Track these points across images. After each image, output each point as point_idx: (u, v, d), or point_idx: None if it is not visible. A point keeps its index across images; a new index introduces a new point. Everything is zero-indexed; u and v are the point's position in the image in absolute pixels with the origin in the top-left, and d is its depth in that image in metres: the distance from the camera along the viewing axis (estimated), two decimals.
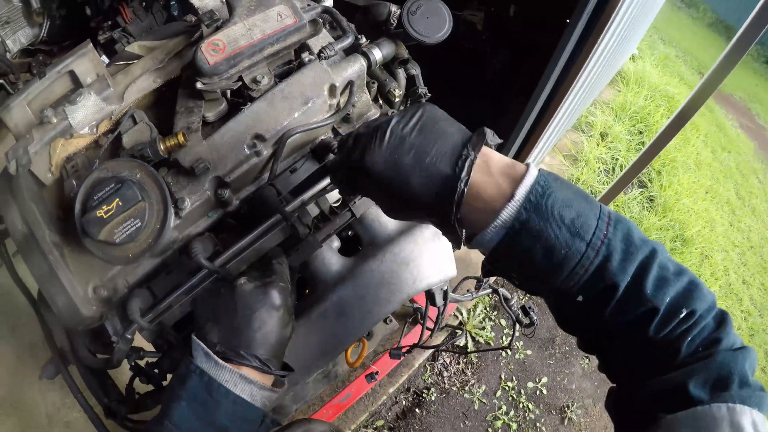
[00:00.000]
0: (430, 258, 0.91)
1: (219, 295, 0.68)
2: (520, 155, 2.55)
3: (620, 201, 3.80)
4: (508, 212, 0.52)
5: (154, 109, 0.88)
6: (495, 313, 2.88)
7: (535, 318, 1.23)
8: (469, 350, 2.54)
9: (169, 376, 0.89)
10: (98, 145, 0.88)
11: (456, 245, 0.58)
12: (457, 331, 2.50)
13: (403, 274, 0.87)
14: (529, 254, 0.52)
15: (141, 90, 0.86)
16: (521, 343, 2.81)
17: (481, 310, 2.85)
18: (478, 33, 3.91)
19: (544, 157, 3.75)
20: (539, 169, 0.54)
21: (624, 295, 0.50)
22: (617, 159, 4.12)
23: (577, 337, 0.59)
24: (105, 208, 0.68)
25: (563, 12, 1.93)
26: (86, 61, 0.88)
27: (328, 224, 0.85)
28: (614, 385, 0.58)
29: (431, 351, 2.31)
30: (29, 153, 0.81)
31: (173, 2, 3.71)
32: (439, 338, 2.59)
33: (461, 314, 2.64)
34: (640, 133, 4.57)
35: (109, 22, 3.62)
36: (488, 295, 2.54)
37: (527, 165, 0.54)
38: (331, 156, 0.84)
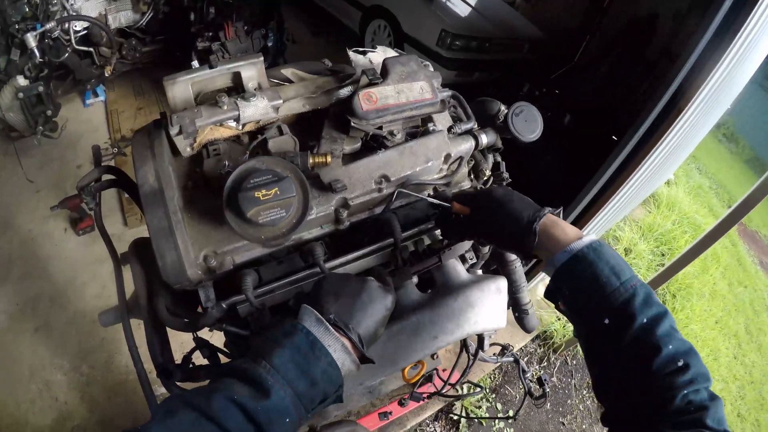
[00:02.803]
0: (490, 307, 1.06)
1: (349, 281, 0.81)
2: None
3: None
4: (576, 245, 0.76)
5: (296, 127, 1.06)
6: (493, 396, 2.95)
7: (548, 390, 1.37)
8: (468, 416, 2.58)
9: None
10: (239, 140, 1.05)
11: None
12: (453, 402, 2.57)
13: (468, 314, 1.02)
14: (581, 278, 0.75)
15: (292, 109, 1.04)
16: (512, 430, 2.86)
17: (481, 390, 2.92)
18: None
19: None
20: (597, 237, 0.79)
21: (638, 330, 0.68)
22: (637, 273, 4.26)
23: (596, 373, 0.76)
24: (263, 191, 0.83)
25: (613, 130, 2.13)
26: (254, 69, 1.06)
27: (419, 263, 1.02)
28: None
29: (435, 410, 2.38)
30: (195, 125, 0.95)
31: (270, 35, 4.02)
32: (440, 405, 2.67)
33: (461, 389, 2.71)
34: (663, 255, 4.71)
35: (210, 33, 3.92)
36: (510, 365, 2.63)
37: (585, 233, 0.80)
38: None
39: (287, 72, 1.16)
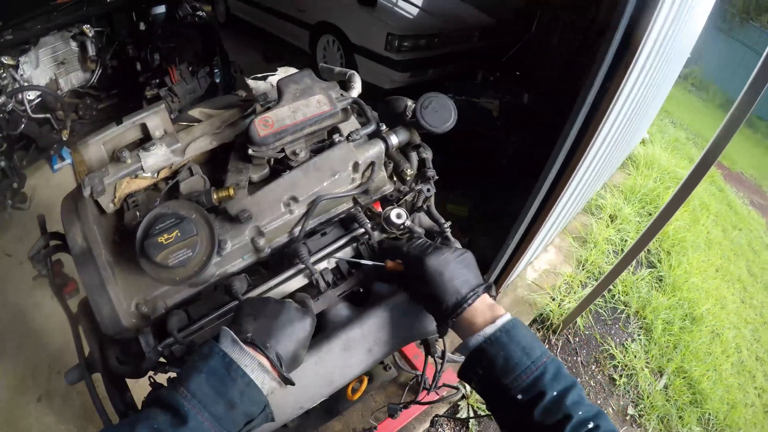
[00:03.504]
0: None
1: (267, 303, 0.84)
2: (528, 234, 2.69)
3: (628, 281, 3.83)
4: (488, 330, 0.82)
5: (207, 165, 1.08)
6: None
7: None
8: (468, 416, 2.58)
9: None
10: (156, 188, 1.07)
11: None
12: (459, 403, 2.57)
13: (403, 322, 1.02)
14: (494, 359, 0.79)
15: (199, 148, 1.06)
16: None
17: None
18: (493, 119, 4.29)
19: (553, 238, 3.86)
20: (512, 316, 0.85)
21: (549, 402, 0.74)
22: (626, 240, 4.20)
23: None
24: (165, 236, 0.86)
25: (571, 99, 2.13)
26: (157, 118, 1.09)
27: (344, 282, 1.03)
28: None
29: (431, 419, 2.37)
30: (104, 183, 0.99)
31: (216, 71, 4.08)
32: (441, 409, 2.64)
33: (465, 387, 2.69)
34: (650, 215, 4.62)
35: (157, 80, 3.98)
36: None
37: (505, 311, 0.85)
38: (356, 225, 1.04)
39: (195, 112, 1.18)
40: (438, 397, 2.19)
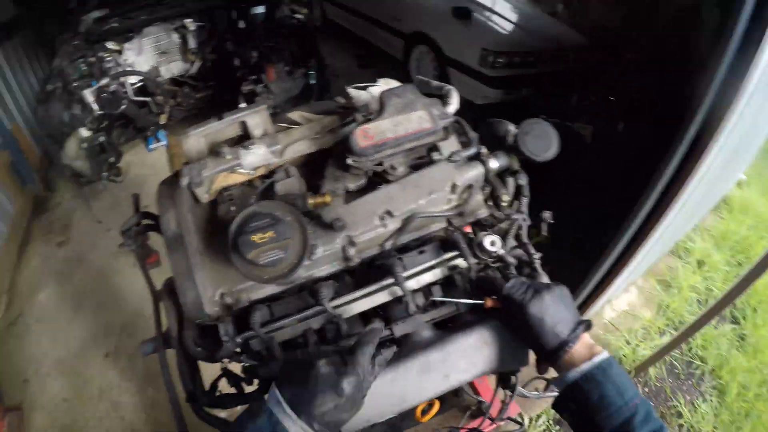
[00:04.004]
0: (510, 344, 1.00)
1: (301, 366, 0.82)
2: (613, 270, 2.59)
3: (709, 335, 3.56)
4: (586, 366, 0.83)
5: (303, 168, 1.08)
6: (558, 428, 2.81)
7: None
8: None
9: (250, 388, 1.04)
10: (251, 184, 1.08)
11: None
12: (518, 424, 2.48)
13: (484, 352, 0.98)
14: (588, 396, 0.81)
15: (297, 152, 1.07)
16: None
17: (544, 421, 2.80)
18: (586, 145, 4.11)
19: (636, 278, 3.68)
20: (608, 354, 0.86)
21: None
22: (712, 290, 3.90)
23: None
24: (260, 235, 0.86)
25: (669, 134, 2.01)
26: (258, 118, 1.10)
27: (434, 310, 1.01)
28: None
29: None
30: (202, 175, 1.01)
31: (311, 73, 4.21)
32: None
33: (526, 423, 2.63)
34: (740, 264, 4.28)
35: (254, 77, 4.16)
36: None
37: (602, 349, 0.86)
38: (456, 253, 1.01)
39: (294, 115, 1.19)
40: (498, 427, 2.11)
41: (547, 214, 1.14)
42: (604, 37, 5.07)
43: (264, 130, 1.10)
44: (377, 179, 1.02)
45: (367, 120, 1.01)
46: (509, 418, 2.09)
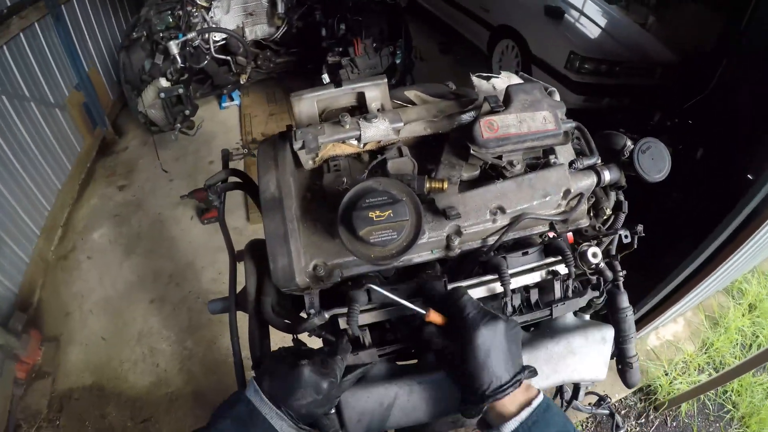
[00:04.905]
0: (592, 357, 1.01)
1: (283, 363, 0.87)
2: (669, 299, 2.56)
3: (745, 382, 3.45)
4: (525, 413, 0.77)
5: (415, 149, 1.07)
6: None
7: None
8: None
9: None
10: (359, 158, 1.08)
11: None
12: None
13: (567, 360, 0.98)
14: None
15: (413, 132, 1.05)
16: None
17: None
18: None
19: (686, 310, 3.62)
20: (544, 395, 0.80)
21: None
22: (758, 336, 3.78)
23: None
24: (377, 212, 0.85)
25: (749, 167, 1.94)
26: (377, 91, 1.09)
27: (529, 312, 1.00)
28: None
29: None
30: (318, 141, 1.00)
31: (398, 52, 4.19)
32: None
33: None
34: None
35: (340, 49, 4.18)
36: (605, 417, 2.51)
37: (539, 390, 0.81)
38: (558, 258, 1.00)
39: (410, 94, 1.18)
40: None
41: (640, 228, 1.11)
42: (693, 58, 4.83)
43: (381, 104, 1.09)
44: (492, 173, 1.01)
45: (493, 112, 0.99)
46: None
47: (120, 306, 3.38)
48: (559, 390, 1.26)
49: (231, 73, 4.30)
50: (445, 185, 0.93)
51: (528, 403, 0.78)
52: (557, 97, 1.16)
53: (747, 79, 4.45)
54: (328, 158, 1.06)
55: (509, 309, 0.95)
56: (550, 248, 1.02)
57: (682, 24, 5.15)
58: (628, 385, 1.23)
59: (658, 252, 2.52)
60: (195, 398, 2.89)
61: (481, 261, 0.99)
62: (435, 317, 0.86)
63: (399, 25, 4.23)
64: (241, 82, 4.33)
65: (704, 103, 4.38)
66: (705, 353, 3.55)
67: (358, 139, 1.01)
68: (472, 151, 0.94)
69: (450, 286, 0.95)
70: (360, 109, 1.11)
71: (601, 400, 1.31)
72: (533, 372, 0.82)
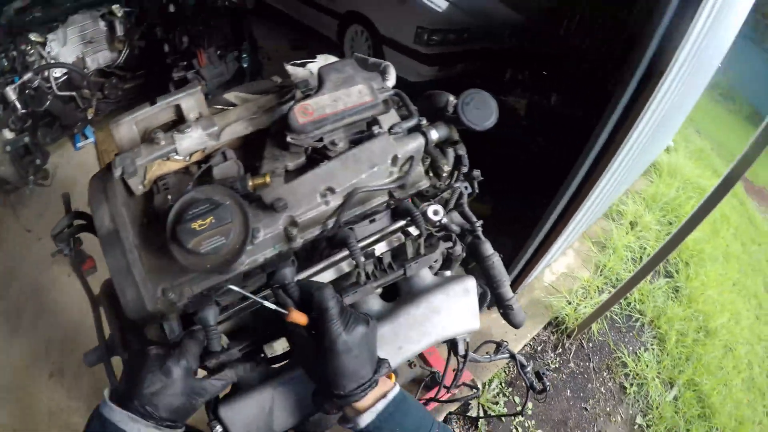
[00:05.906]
0: (458, 310, 1.04)
1: (134, 356, 0.84)
2: (550, 236, 2.68)
3: (645, 290, 3.83)
4: (381, 405, 0.80)
5: (240, 150, 1.04)
6: (510, 389, 2.93)
7: (548, 384, 1.34)
8: (480, 415, 2.57)
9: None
10: (188, 171, 1.04)
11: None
12: (470, 402, 2.55)
13: (433, 320, 1.00)
14: None
15: (234, 133, 1.03)
16: (533, 422, 2.83)
17: (497, 385, 2.92)
18: (519, 118, 4.25)
19: (573, 241, 3.85)
20: (399, 387, 0.85)
21: None
22: (645, 248, 4.19)
23: None
24: (199, 222, 0.83)
25: (600, 103, 2.11)
26: (193, 100, 1.05)
27: (383, 276, 1.01)
28: None
29: (444, 416, 2.35)
30: (135, 164, 0.96)
31: (244, 56, 4.09)
32: (452, 407, 2.65)
33: (476, 385, 2.71)
34: (670, 223, 4.64)
35: (185, 63, 3.99)
36: (506, 363, 2.64)
37: (395, 383, 0.85)
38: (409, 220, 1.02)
39: (230, 96, 1.14)
40: (454, 395, 2.17)
41: (476, 172, 1.17)
42: (540, 15, 5.22)
43: (199, 113, 1.05)
44: (317, 156, 1.00)
45: (306, 96, 0.98)
46: (464, 383, 2.16)
47: (21, 392, 3.06)
48: (452, 346, 1.30)
49: (79, 109, 3.97)
50: (268, 179, 0.91)
51: (383, 396, 0.81)
52: (392, 71, 1.19)
53: (589, 28, 4.90)
54: (156, 178, 1.01)
55: (362, 277, 0.96)
56: (398, 211, 1.05)
57: None
58: (514, 326, 1.29)
59: (537, 197, 2.70)
60: None
61: (327, 239, 0.98)
62: (297, 317, 0.83)
63: (241, 28, 4.16)
64: (89, 118, 4.01)
65: (552, 54, 4.76)
66: (600, 275, 3.86)
67: (176, 152, 0.97)
68: (289, 139, 0.93)
69: (304, 275, 0.95)
70: (181, 121, 1.06)
71: (498, 346, 1.37)
72: (388, 367, 0.84)
